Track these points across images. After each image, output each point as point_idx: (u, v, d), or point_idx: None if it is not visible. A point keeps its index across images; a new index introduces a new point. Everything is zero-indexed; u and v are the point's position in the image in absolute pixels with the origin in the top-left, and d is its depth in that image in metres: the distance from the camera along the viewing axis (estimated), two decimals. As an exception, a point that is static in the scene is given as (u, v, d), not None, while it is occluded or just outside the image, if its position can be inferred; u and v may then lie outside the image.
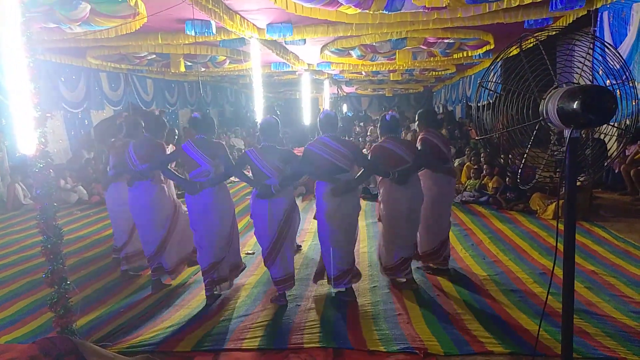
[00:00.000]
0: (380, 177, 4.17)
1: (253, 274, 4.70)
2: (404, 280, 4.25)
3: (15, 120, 2.92)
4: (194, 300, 4.13)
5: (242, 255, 5.36)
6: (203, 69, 10.23)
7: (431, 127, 4.49)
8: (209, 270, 4.00)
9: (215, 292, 4.08)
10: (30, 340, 3.36)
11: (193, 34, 5.80)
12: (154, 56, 8.51)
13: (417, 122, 4.60)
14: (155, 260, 4.39)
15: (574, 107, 1.84)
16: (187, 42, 6.81)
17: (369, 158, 4.07)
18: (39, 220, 3.00)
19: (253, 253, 5.38)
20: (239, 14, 5.65)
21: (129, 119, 5.40)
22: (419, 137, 4.41)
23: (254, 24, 6.19)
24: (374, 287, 4.22)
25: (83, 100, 9.57)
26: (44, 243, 3.01)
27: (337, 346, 3.20)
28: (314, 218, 4.21)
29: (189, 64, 9.22)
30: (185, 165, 4.11)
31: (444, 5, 5.05)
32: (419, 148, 4.27)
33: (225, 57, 8.84)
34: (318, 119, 3.97)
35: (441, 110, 19.14)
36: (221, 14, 5.11)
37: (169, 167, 4.19)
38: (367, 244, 5.60)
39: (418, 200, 4.13)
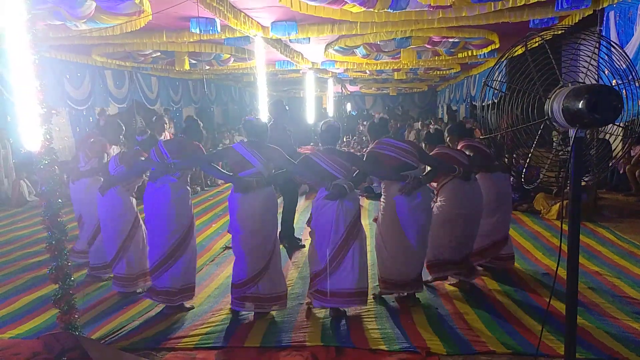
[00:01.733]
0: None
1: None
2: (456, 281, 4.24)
3: (20, 117, 2.93)
4: (197, 298, 4.13)
5: (221, 251, 5.39)
6: (207, 67, 10.25)
7: (464, 137, 4.53)
8: (247, 283, 3.64)
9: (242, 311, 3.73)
10: (34, 336, 3.39)
11: (198, 31, 5.81)
12: (159, 54, 8.53)
13: (449, 137, 4.57)
14: (154, 277, 3.84)
15: (580, 106, 1.83)
16: (191, 40, 6.82)
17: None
18: (44, 216, 3.01)
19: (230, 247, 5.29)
20: (244, 12, 5.66)
21: (110, 119, 5.33)
22: (462, 146, 4.39)
23: (258, 22, 6.19)
24: (376, 285, 4.21)
25: (88, 98, 9.61)
26: (49, 239, 3.02)
27: (339, 345, 3.20)
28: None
29: (194, 62, 9.24)
30: (232, 165, 3.75)
31: (449, 4, 5.04)
32: (468, 154, 4.27)
33: (229, 55, 8.85)
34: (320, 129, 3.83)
35: (445, 110, 19.11)
36: (226, 12, 5.12)
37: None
38: (368, 242, 5.57)
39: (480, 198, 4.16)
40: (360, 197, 7.62)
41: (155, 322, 3.67)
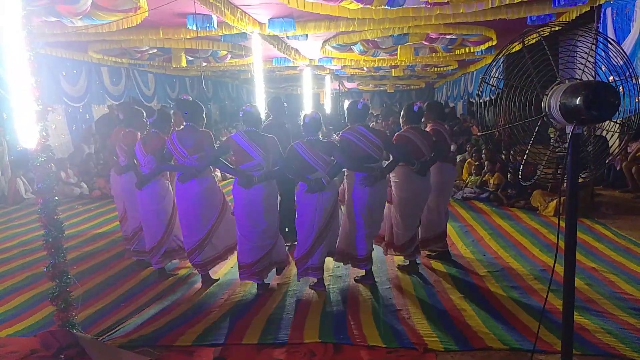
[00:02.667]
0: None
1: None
2: (407, 263, 4.52)
3: (16, 114, 2.91)
4: (195, 295, 4.13)
5: None
6: (204, 64, 10.21)
7: (439, 119, 4.71)
8: (252, 265, 4.02)
9: (265, 282, 4.16)
10: (31, 333, 3.38)
11: (194, 28, 5.78)
12: (155, 50, 8.49)
13: (425, 113, 4.69)
14: (194, 256, 4.22)
15: (577, 103, 1.84)
16: (188, 36, 6.79)
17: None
18: (40, 214, 3.00)
19: None
20: (241, 9, 5.63)
21: (126, 107, 5.27)
22: (431, 128, 4.58)
23: (255, 19, 6.17)
24: (374, 282, 4.22)
25: (84, 95, 9.55)
26: (45, 237, 3.02)
27: (337, 341, 3.21)
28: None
29: (190, 58, 9.20)
30: (234, 156, 3.97)
31: (446, 1, 5.04)
32: (434, 139, 4.40)
33: (226, 52, 8.82)
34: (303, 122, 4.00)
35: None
36: (222, 9, 5.10)
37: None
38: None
39: (429, 188, 4.39)
40: None
41: (153, 319, 3.66)
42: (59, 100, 8.86)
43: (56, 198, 3.03)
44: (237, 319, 3.61)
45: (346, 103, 22.97)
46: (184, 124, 4.17)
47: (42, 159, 2.93)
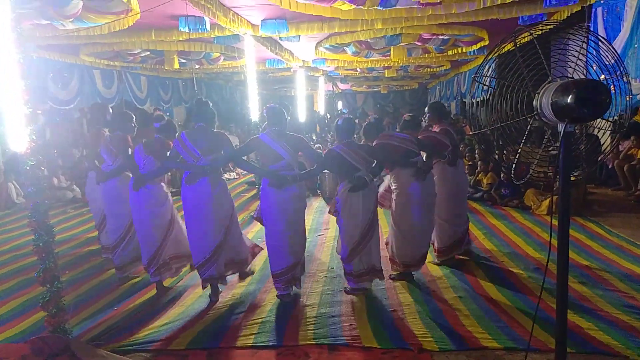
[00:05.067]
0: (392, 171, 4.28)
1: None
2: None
3: (5, 117, 2.88)
4: (188, 299, 4.10)
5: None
6: (197, 66, 10.17)
7: (444, 119, 4.79)
8: (287, 272, 3.88)
9: (290, 293, 3.95)
10: (22, 339, 3.34)
11: (187, 30, 5.75)
12: (148, 53, 8.44)
13: (429, 114, 4.79)
14: (206, 269, 3.92)
15: (568, 101, 1.84)
16: (180, 38, 6.76)
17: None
18: (31, 218, 2.97)
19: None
20: (233, 10, 5.62)
21: (117, 112, 5.06)
22: (441, 129, 4.62)
23: (248, 21, 6.15)
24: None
25: (74, 97, 9.44)
26: (36, 241, 2.99)
27: (331, 343, 3.20)
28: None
29: (183, 60, 9.16)
30: (262, 157, 3.89)
31: (439, 1, 5.05)
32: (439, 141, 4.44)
33: (219, 54, 8.79)
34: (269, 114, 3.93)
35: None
36: (215, 10, 5.08)
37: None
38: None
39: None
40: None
41: (146, 323, 3.63)
42: (45, 103, 8.76)
43: (47, 202, 3.00)
44: (231, 322, 3.59)
45: (339, 104, 23.06)
46: (196, 125, 3.92)
47: (32, 163, 2.90)
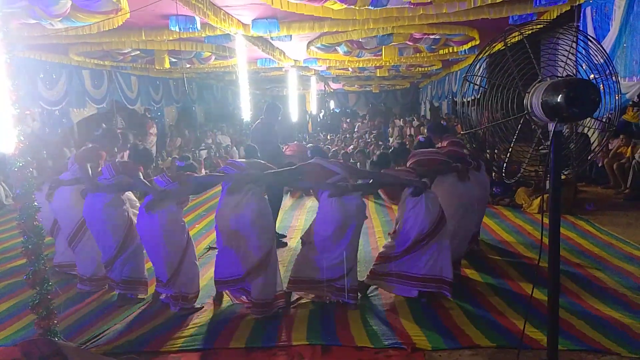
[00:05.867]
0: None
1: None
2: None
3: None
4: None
5: (205, 251, 5.33)
6: (188, 66, 10.12)
7: (447, 133, 4.83)
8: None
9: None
10: (12, 343, 3.31)
11: (177, 29, 5.72)
12: (138, 52, 8.39)
13: (430, 135, 4.86)
14: (244, 282, 3.74)
15: (558, 100, 1.85)
16: (171, 38, 6.73)
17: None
18: (19, 220, 2.93)
19: (216, 248, 5.26)
20: (224, 10, 5.60)
21: (108, 129, 5.01)
22: (449, 142, 4.63)
23: (239, 20, 6.13)
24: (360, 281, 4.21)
25: (62, 98, 9.33)
26: (25, 243, 2.94)
27: (325, 343, 3.19)
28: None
29: (174, 60, 9.11)
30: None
31: (429, 1, 5.07)
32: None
33: (210, 54, 8.76)
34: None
35: (428, 107, 19.23)
36: (205, 10, 5.05)
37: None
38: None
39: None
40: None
41: (138, 325, 3.60)
42: (35, 104, 8.66)
43: (36, 204, 2.96)
44: (224, 323, 3.57)
45: (332, 104, 23.04)
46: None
47: (20, 164, 2.86)
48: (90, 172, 4.15)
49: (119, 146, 4.81)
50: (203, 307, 3.88)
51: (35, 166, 3.03)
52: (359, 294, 3.84)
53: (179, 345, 3.25)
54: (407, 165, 4.12)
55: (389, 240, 4.03)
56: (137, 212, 4.03)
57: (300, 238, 3.99)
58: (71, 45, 7.41)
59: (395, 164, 4.15)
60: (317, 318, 3.58)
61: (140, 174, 4.05)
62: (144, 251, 4.05)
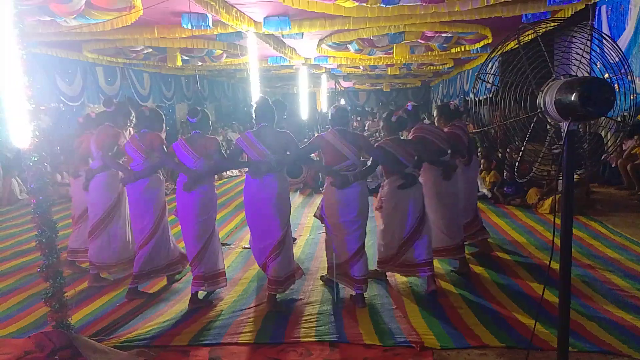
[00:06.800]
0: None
1: (250, 268, 4.69)
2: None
3: (8, 113, 2.89)
4: (191, 295, 4.11)
5: (239, 250, 5.38)
6: (200, 63, 10.17)
7: (449, 120, 4.68)
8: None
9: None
10: (25, 334, 3.36)
11: (189, 27, 5.75)
12: (150, 50, 8.45)
13: (437, 116, 4.78)
14: (265, 268, 3.84)
15: (572, 99, 1.83)
16: (183, 35, 6.76)
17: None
18: (34, 214, 2.97)
19: (249, 248, 5.35)
20: (236, 7, 5.61)
21: (120, 104, 4.91)
22: (448, 131, 4.56)
23: (250, 17, 6.15)
24: (370, 281, 4.21)
25: (80, 94, 9.49)
26: (39, 237, 2.99)
27: (333, 340, 3.20)
28: (315, 216, 4.37)
29: (186, 58, 9.16)
30: (327, 157, 3.80)
31: (442, -1, 5.03)
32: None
33: (222, 51, 8.78)
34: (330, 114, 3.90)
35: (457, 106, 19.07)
36: (217, 7, 5.07)
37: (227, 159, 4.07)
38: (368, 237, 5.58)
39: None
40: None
41: (149, 319, 3.64)
42: (56, 100, 8.80)
43: (50, 198, 3.00)
44: (233, 318, 3.60)
45: (342, 102, 23.03)
46: (259, 124, 3.81)
47: (35, 159, 2.90)
48: (120, 162, 4.34)
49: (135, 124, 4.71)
50: (221, 294, 3.99)
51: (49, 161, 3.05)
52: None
53: (188, 339, 3.28)
54: (411, 134, 4.19)
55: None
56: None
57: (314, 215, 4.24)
58: (84, 42, 7.48)
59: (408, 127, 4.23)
60: (325, 315, 3.59)
61: (164, 147, 4.08)
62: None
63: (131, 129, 4.75)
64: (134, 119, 4.63)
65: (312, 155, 4.42)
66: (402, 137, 4.13)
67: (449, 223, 4.32)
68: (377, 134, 14.38)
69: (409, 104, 4.36)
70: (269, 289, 3.77)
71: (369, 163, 4.08)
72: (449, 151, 4.26)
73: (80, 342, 3.04)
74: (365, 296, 3.85)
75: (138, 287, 4.09)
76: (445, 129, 4.55)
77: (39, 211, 2.96)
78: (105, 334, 3.40)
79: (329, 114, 3.88)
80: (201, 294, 3.98)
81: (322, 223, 4.09)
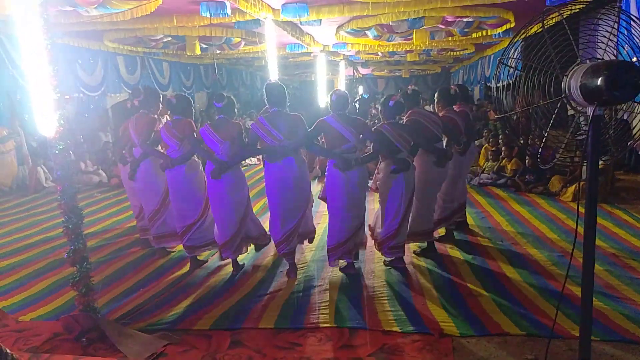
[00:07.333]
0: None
1: (270, 255, 4.74)
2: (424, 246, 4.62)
3: (34, 102, 2.96)
4: (213, 280, 4.19)
5: None
6: (218, 52, 10.20)
7: (448, 105, 4.72)
8: (344, 244, 4.06)
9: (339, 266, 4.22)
10: (54, 317, 3.48)
11: (208, 15, 5.76)
12: (170, 39, 8.51)
13: (436, 100, 4.77)
14: (284, 246, 4.09)
15: (598, 83, 1.79)
16: (202, 24, 6.78)
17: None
18: (60, 201, 3.06)
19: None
20: (254, -6, 5.60)
21: (148, 91, 4.94)
22: (443, 115, 4.59)
23: (268, 5, 6.12)
24: (388, 268, 4.22)
25: (101, 84, 9.65)
26: (65, 223, 3.07)
27: (352, 326, 3.23)
28: (319, 198, 4.49)
29: (204, 46, 9.19)
30: (329, 140, 3.97)
31: (463, -18, 4.92)
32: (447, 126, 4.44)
33: (240, 39, 8.79)
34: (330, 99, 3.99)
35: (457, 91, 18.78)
36: (235, -5, 5.07)
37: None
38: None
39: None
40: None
41: (172, 304, 3.73)
42: (76, 90, 8.96)
43: (76, 185, 3.08)
44: (253, 303, 3.66)
45: (360, 89, 22.83)
46: (271, 109, 3.94)
47: (61, 147, 2.97)
48: (159, 148, 4.51)
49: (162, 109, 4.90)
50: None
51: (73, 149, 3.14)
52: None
53: (210, 324, 3.34)
54: (406, 118, 4.26)
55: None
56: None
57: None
58: (105, 31, 7.58)
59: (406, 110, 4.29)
60: (344, 301, 3.62)
61: (195, 133, 4.22)
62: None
63: (167, 116, 4.85)
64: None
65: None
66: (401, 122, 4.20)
67: (426, 210, 4.44)
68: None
69: (409, 87, 4.41)
70: (286, 257, 4.15)
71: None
72: (444, 137, 4.32)
73: (106, 325, 3.14)
74: (383, 283, 3.88)
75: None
76: (441, 113, 4.57)
77: (65, 198, 3.04)
78: (130, 317, 3.49)
79: (330, 100, 3.97)
80: (241, 258, 4.45)
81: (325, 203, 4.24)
